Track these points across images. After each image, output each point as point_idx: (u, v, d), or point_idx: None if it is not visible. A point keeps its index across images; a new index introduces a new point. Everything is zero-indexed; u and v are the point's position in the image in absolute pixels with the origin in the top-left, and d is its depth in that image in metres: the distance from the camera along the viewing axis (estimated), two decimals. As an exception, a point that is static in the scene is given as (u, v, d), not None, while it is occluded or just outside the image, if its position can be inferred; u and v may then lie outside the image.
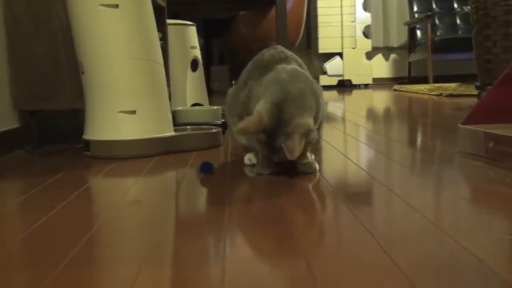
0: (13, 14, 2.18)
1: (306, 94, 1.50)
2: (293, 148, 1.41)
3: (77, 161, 1.94)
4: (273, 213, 1.18)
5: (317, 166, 1.61)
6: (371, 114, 3.41)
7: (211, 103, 3.66)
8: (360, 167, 1.66)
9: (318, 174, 1.58)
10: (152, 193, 1.48)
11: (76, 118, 2.27)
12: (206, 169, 1.57)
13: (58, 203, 1.33)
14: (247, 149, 1.77)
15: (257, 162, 1.64)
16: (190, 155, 1.97)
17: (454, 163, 1.68)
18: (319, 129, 1.63)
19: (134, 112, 1.95)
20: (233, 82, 5.27)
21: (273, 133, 1.45)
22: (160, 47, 2.07)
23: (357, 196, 1.30)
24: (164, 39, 3.09)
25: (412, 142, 2.18)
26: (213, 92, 6.18)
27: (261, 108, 1.47)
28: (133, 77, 1.96)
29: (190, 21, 3.51)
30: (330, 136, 2.35)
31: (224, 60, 7.11)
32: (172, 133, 2.06)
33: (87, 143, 1.99)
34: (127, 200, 1.36)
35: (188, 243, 1.00)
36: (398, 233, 1.02)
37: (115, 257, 0.95)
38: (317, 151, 1.97)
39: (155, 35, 2.06)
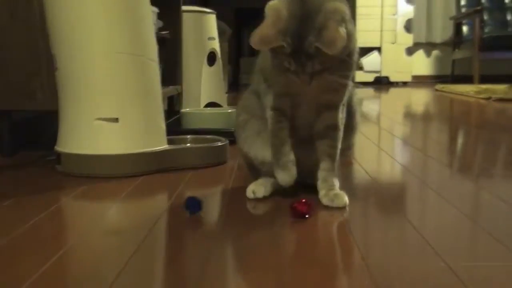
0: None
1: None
2: (334, 38, 1.07)
3: (45, 178, 1.57)
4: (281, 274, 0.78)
5: (347, 199, 1.22)
6: (411, 119, 2.97)
7: (229, 103, 3.26)
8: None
9: (347, 208, 1.18)
10: (128, 223, 1.17)
11: (57, 121, 1.89)
12: (192, 207, 1.18)
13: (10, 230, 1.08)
14: (254, 171, 1.37)
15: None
16: (185, 174, 1.59)
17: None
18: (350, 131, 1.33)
19: (116, 120, 1.56)
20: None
21: (298, 34, 1.09)
22: (154, 40, 1.67)
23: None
24: (176, 29, 2.71)
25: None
26: (241, 86, 5.82)
27: (274, 2, 1.12)
28: (117, 76, 1.57)
29: (223, 8, 3.12)
30: (362, 150, 1.94)
31: (255, 51, 6.72)
32: (165, 146, 1.66)
33: (59, 156, 1.61)
34: (98, 230, 1.11)
35: None
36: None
37: None
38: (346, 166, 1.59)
39: (150, 24, 1.66)
